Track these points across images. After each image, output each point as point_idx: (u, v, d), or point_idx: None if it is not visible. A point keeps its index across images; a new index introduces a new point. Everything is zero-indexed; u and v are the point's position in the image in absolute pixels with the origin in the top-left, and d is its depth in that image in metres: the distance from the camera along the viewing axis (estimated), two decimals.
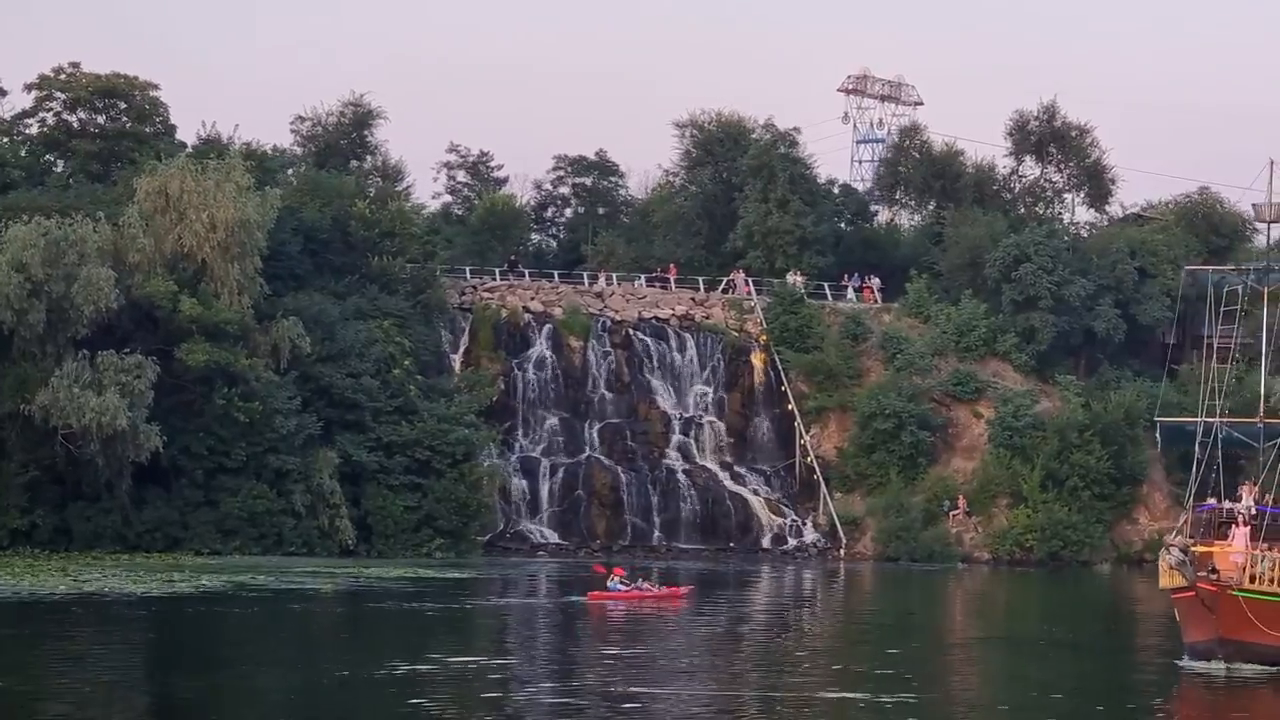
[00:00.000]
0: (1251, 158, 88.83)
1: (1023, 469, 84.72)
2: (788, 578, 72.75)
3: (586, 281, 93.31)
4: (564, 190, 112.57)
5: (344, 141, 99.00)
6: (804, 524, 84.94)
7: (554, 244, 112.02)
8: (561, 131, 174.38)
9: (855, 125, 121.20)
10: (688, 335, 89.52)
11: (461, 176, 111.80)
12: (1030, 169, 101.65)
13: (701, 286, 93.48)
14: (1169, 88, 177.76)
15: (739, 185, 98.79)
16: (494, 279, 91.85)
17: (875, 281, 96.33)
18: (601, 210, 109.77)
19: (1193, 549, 40.07)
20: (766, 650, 43.92)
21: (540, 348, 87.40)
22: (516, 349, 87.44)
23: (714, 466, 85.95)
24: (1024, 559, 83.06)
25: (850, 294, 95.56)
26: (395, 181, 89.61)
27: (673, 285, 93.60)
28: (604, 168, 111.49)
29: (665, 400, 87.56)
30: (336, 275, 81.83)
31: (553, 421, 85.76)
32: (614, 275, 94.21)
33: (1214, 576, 39.75)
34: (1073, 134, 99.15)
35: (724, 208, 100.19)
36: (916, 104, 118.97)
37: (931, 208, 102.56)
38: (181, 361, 70.28)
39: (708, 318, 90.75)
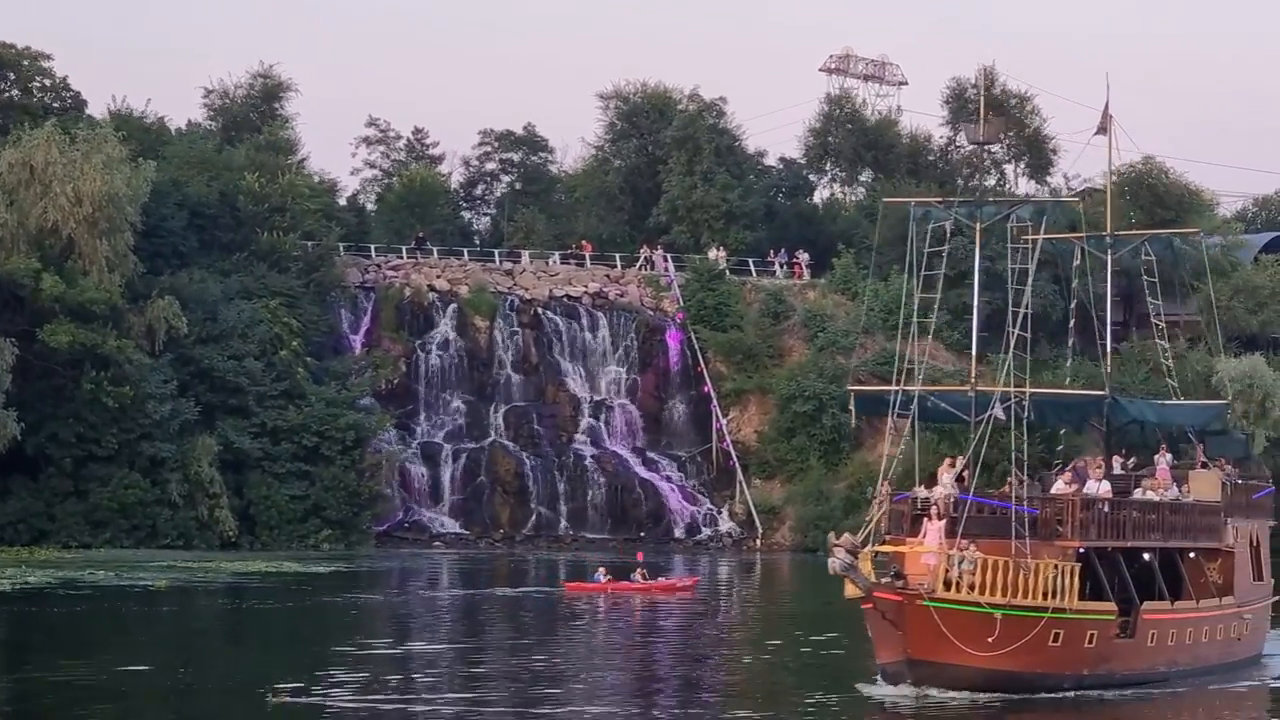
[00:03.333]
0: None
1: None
2: (700, 569, 68.71)
3: (498, 259, 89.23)
4: (491, 166, 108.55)
5: (253, 115, 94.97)
6: (719, 513, 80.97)
7: (487, 221, 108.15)
8: (515, 111, 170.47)
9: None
10: (600, 314, 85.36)
11: (393, 154, 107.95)
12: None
13: (618, 263, 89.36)
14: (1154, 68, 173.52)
15: (663, 158, 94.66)
16: (400, 257, 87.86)
17: (804, 257, 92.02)
18: (519, 186, 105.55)
19: (865, 549, 31.97)
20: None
21: (444, 328, 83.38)
22: (420, 329, 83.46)
23: (625, 452, 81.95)
24: None
25: (779, 270, 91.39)
26: (287, 154, 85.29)
27: (588, 262, 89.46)
28: (533, 143, 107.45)
29: (575, 382, 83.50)
30: (225, 252, 78.04)
31: (456, 405, 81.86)
32: (526, 253, 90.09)
33: (900, 583, 32.25)
34: (1012, 102, 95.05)
35: (648, 182, 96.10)
36: (901, 84, 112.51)
37: (864, 179, 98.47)
38: (45, 343, 66.56)
39: (623, 295, 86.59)
